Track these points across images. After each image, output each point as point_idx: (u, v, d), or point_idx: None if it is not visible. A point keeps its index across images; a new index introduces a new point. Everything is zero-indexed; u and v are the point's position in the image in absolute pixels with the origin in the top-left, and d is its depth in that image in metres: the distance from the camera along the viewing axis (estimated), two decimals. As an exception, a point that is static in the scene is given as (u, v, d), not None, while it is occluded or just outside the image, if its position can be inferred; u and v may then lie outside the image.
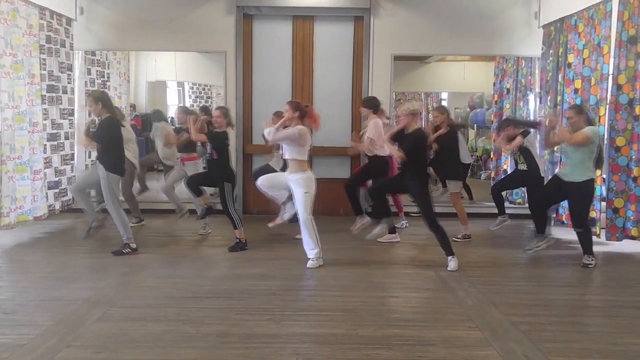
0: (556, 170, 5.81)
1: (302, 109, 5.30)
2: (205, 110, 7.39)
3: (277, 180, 5.46)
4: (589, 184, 5.26)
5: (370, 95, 7.71)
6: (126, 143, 6.47)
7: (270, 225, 5.91)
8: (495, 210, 6.48)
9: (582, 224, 5.33)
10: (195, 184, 6.08)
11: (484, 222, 6.77)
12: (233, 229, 5.79)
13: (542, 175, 6.18)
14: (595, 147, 5.21)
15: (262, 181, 5.47)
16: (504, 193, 7.13)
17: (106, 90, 7.59)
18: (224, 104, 7.99)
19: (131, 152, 6.73)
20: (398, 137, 5.27)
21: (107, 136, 5.40)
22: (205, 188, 6.24)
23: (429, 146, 6.43)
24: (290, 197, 5.49)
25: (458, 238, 6.35)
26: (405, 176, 5.21)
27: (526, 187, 6.56)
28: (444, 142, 6.37)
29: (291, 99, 7.88)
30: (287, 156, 5.27)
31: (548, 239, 5.61)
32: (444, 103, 12.75)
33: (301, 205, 5.13)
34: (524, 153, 6.08)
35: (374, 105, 6.47)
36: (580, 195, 5.26)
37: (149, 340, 3.47)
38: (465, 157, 7.54)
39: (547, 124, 5.59)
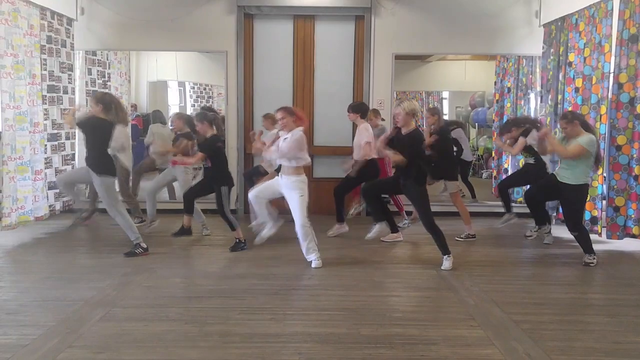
0: (556, 169, 5.83)
1: (294, 112, 5.22)
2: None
3: (270, 190, 5.28)
4: (583, 188, 5.24)
5: (371, 94, 7.77)
6: (121, 150, 6.46)
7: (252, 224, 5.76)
8: (498, 209, 6.47)
9: (577, 227, 5.29)
10: (191, 198, 5.99)
11: (487, 221, 6.75)
12: (231, 230, 5.83)
13: (548, 170, 6.19)
14: (593, 154, 5.18)
15: (255, 193, 5.31)
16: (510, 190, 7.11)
17: (110, 93, 7.53)
18: (225, 104, 8.01)
19: (126, 158, 6.70)
20: (394, 139, 5.20)
21: (92, 136, 5.30)
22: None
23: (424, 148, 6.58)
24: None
25: (460, 238, 6.33)
26: (401, 177, 5.13)
27: (535, 182, 6.56)
28: (436, 144, 6.30)
29: (292, 99, 7.95)
30: (284, 163, 5.12)
31: (547, 228, 6.14)
32: (445, 102, 12.75)
33: (298, 209, 5.03)
34: (529, 149, 6.11)
35: (362, 110, 6.44)
36: (573, 197, 5.24)
37: (151, 340, 3.47)
38: (467, 155, 7.47)
39: (539, 135, 5.60)
